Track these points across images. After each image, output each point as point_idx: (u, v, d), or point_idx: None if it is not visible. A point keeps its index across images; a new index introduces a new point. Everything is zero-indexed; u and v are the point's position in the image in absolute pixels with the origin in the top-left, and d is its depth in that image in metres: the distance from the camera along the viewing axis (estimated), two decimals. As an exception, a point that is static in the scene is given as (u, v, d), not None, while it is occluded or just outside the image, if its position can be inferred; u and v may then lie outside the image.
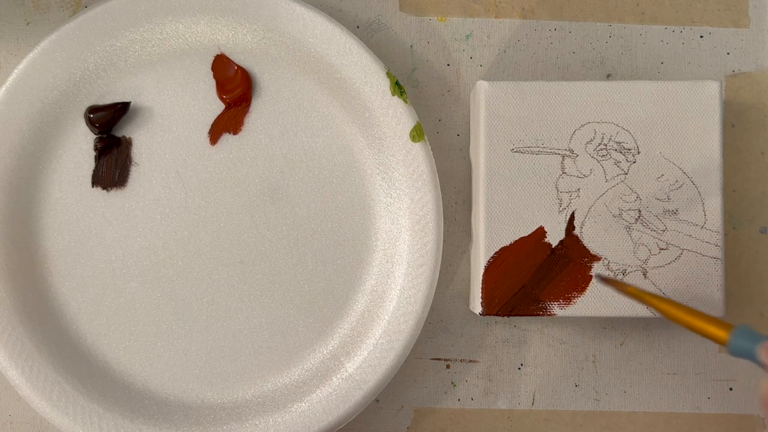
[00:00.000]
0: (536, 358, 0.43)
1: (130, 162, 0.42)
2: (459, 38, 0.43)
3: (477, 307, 0.39)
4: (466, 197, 0.43)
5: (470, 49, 0.43)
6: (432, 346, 0.43)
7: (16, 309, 0.40)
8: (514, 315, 0.39)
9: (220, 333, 0.41)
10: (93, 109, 0.41)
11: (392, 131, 0.41)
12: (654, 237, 0.39)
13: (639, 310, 0.39)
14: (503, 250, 0.39)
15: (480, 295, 0.39)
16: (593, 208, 0.39)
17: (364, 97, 0.41)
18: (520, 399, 0.43)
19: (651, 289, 0.39)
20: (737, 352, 0.31)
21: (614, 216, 0.39)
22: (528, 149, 0.39)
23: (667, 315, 0.34)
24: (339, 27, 0.41)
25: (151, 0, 0.41)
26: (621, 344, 0.43)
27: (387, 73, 0.41)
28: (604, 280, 0.36)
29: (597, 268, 0.39)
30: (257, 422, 0.40)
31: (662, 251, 0.39)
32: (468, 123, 0.43)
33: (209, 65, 0.42)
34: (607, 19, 0.44)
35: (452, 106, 0.43)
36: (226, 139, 0.42)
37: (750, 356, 0.31)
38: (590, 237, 0.39)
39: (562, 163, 0.39)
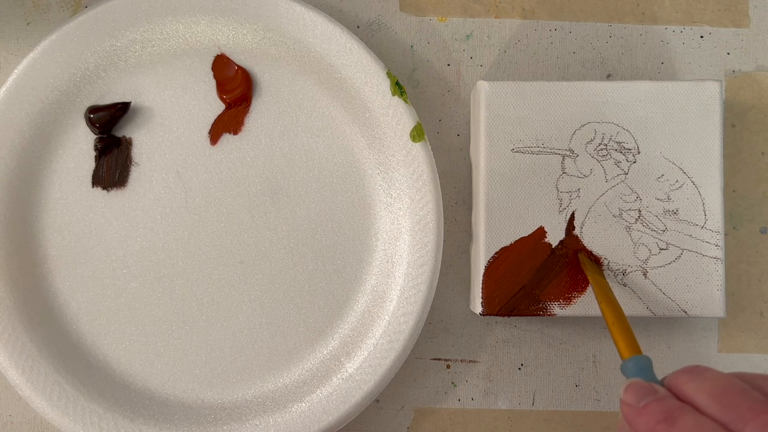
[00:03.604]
0: (536, 358, 0.43)
1: (130, 162, 0.42)
2: (459, 38, 0.43)
3: (477, 307, 0.39)
4: (466, 197, 0.43)
5: (470, 49, 0.43)
6: (432, 346, 0.43)
7: (16, 309, 0.40)
8: (515, 315, 0.39)
9: (220, 333, 0.41)
10: (93, 109, 0.41)
11: (392, 131, 0.41)
12: (654, 237, 0.39)
13: (639, 309, 0.39)
14: (503, 250, 0.39)
15: (480, 295, 0.39)
16: (593, 208, 0.39)
17: (364, 97, 0.41)
18: (520, 399, 0.43)
19: (651, 289, 0.39)
20: (624, 373, 0.32)
21: (614, 216, 0.39)
22: (528, 149, 0.39)
23: (603, 313, 0.35)
24: (339, 27, 0.41)
25: (151, 0, 0.41)
26: (621, 344, 0.43)
27: (387, 73, 0.41)
28: (581, 257, 0.38)
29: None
30: (257, 422, 0.40)
31: (662, 251, 0.39)
32: (468, 123, 0.43)
33: (209, 65, 0.42)
34: (607, 19, 0.44)
35: (452, 106, 0.43)
36: (226, 139, 0.42)
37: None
38: (590, 237, 0.39)
39: (562, 163, 0.39)
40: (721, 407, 0.28)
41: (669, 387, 0.30)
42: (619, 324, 0.34)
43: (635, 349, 0.33)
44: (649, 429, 0.29)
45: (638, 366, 0.32)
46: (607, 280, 0.39)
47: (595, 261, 0.39)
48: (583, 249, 0.39)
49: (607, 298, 0.36)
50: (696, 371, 0.30)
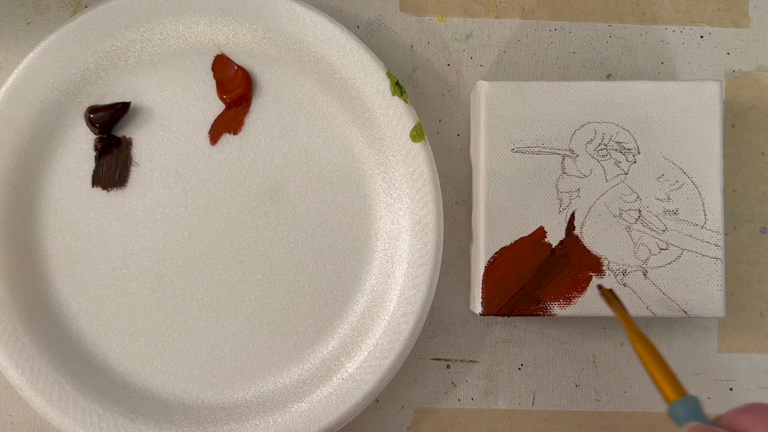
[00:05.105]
0: (536, 358, 0.43)
1: (130, 162, 0.42)
2: (459, 38, 0.43)
3: (477, 307, 0.39)
4: (466, 197, 0.43)
5: (470, 49, 0.43)
6: (432, 346, 0.43)
7: (16, 309, 0.40)
8: (515, 315, 0.39)
9: (220, 333, 0.41)
10: (93, 109, 0.41)
11: (392, 131, 0.41)
12: (654, 237, 0.39)
13: (639, 309, 0.39)
14: (503, 250, 0.39)
15: (480, 295, 0.39)
16: (593, 208, 0.39)
17: (364, 97, 0.41)
18: (520, 399, 0.43)
19: (651, 289, 0.39)
20: (674, 418, 0.31)
21: (614, 216, 0.39)
22: (528, 149, 0.39)
23: (637, 352, 0.33)
24: (339, 27, 0.41)
25: (151, 0, 0.41)
26: (621, 344, 0.43)
27: (387, 73, 0.41)
28: (604, 292, 0.37)
29: (597, 269, 0.39)
30: (257, 422, 0.40)
31: (662, 251, 0.39)
32: (468, 123, 0.43)
33: (209, 65, 0.42)
34: (607, 19, 0.44)
35: (452, 106, 0.43)
36: (226, 139, 0.42)
37: (680, 427, 0.31)
38: (590, 237, 0.39)
39: (562, 163, 0.39)
40: None
41: (731, 428, 0.29)
42: (658, 364, 0.32)
43: (680, 389, 0.31)
44: None
45: (688, 408, 0.30)
46: (607, 280, 0.39)
47: (595, 261, 0.39)
48: (583, 248, 0.39)
49: (640, 336, 0.34)
50: (758, 410, 0.28)
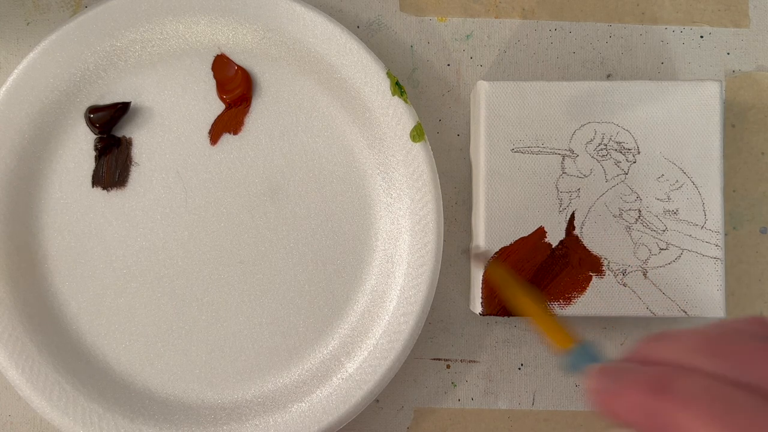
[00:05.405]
0: (536, 358, 0.43)
1: (130, 162, 0.42)
2: (459, 38, 0.43)
3: (477, 307, 0.39)
4: (466, 197, 0.43)
5: (470, 49, 0.43)
6: (432, 346, 0.43)
7: (16, 309, 0.40)
8: (515, 315, 0.39)
9: (220, 333, 0.41)
10: (93, 109, 0.41)
11: (392, 131, 0.41)
12: (654, 237, 0.39)
13: (639, 309, 0.39)
14: (503, 250, 0.39)
15: (480, 295, 0.39)
16: (593, 208, 0.39)
17: (364, 97, 0.41)
18: (520, 399, 0.43)
19: (651, 289, 0.39)
20: (571, 369, 0.29)
21: (614, 216, 0.39)
22: (528, 149, 0.39)
23: (520, 307, 0.31)
24: (339, 27, 0.41)
25: (151, 0, 0.41)
26: (621, 344, 0.43)
27: (387, 73, 0.41)
28: (476, 256, 0.36)
29: (597, 269, 0.39)
30: (257, 422, 0.40)
31: (662, 251, 0.39)
32: (468, 123, 0.43)
33: (209, 65, 0.42)
34: (607, 19, 0.44)
35: (452, 106, 0.43)
36: (226, 139, 0.42)
37: (580, 373, 0.28)
38: (590, 237, 0.39)
39: (562, 163, 0.39)
40: (718, 358, 0.22)
41: (647, 361, 0.25)
42: (545, 315, 0.30)
43: (571, 338, 0.29)
44: (638, 407, 0.23)
45: (588, 353, 0.28)
46: (607, 280, 0.39)
47: (595, 261, 0.39)
48: (583, 248, 0.39)
49: (521, 292, 0.32)
50: (665, 334, 0.25)
